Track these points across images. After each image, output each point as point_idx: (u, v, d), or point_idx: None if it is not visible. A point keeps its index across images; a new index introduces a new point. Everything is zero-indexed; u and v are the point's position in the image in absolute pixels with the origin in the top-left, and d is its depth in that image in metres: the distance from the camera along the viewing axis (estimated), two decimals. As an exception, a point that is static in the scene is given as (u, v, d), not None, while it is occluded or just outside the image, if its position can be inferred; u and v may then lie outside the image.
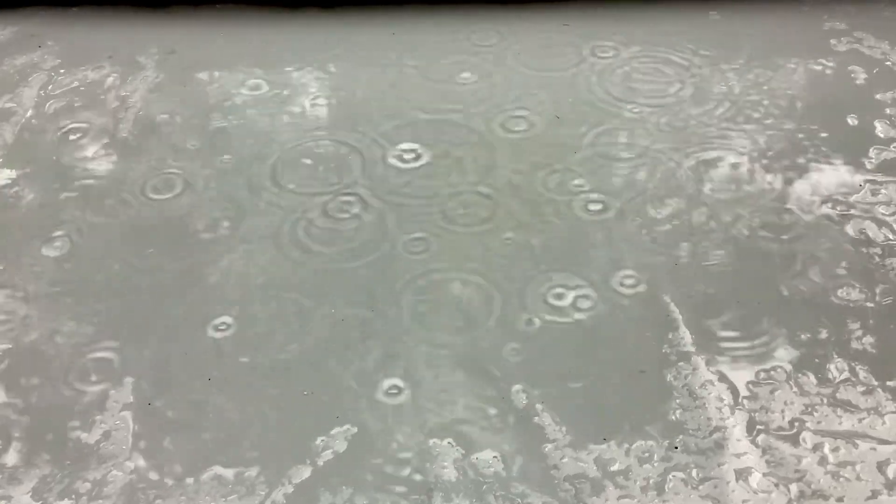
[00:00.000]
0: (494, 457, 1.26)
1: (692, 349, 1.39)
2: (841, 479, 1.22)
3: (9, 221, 1.68)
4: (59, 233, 1.64)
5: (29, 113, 1.94)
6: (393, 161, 1.75)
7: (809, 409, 1.30)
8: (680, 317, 1.43)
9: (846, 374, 1.34)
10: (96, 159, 1.81)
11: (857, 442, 1.26)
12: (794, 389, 1.33)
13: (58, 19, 2.22)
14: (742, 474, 1.22)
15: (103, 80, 2.02)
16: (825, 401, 1.31)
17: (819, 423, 1.28)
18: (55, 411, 1.35)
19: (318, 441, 1.29)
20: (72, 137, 1.87)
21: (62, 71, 2.05)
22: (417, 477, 1.24)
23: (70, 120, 1.92)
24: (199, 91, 1.97)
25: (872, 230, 1.57)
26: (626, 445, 1.27)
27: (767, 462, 1.24)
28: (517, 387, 1.35)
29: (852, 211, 1.60)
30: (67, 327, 1.47)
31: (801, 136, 1.77)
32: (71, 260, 1.59)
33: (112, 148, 1.83)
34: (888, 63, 1.94)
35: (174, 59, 2.08)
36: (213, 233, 1.62)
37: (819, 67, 1.95)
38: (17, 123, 1.91)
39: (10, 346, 1.45)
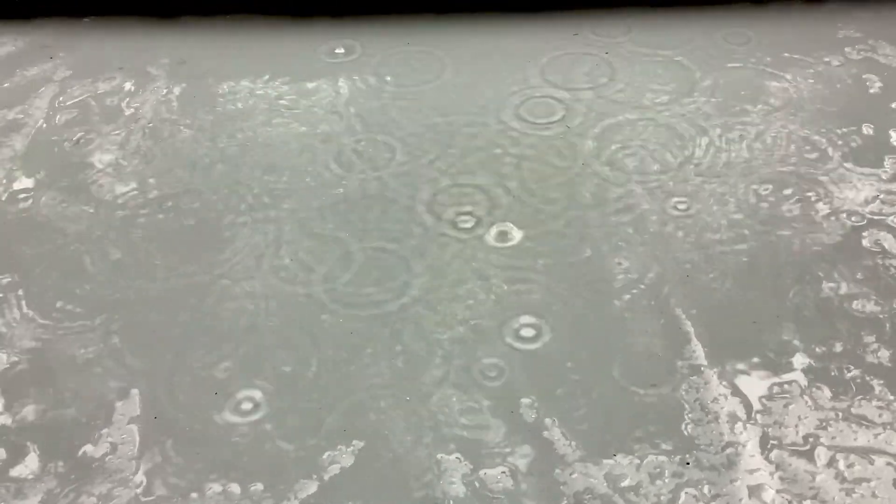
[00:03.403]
0: (503, 472, 1.25)
1: (704, 362, 1.37)
2: (856, 496, 1.19)
3: (19, 231, 1.68)
4: (70, 243, 1.64)
5: (40, 123, 1.95)
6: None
7: (824, 424, 1.28)
8: (692, 329, 1.42)
9: (861, 388, 1.32)
10: (107, 170, 1.81)
11: (873, 458, 1.24)
12: (809, 404, 1.30)
13: (70, 31, 2.23)
14: (755, 491, 1.20)
15: (114, 91, 2.03)
16: (840, 415, 1.29)
17: (834, 438, 1.26)
18: (62, 424, 1.34)
19: (325, 455, 1.27)
20: (83, 148, 1.87)
21: (73, 82, 2.06)
22: (426, 492, 1.22)
23: (81, 130, 1.92)
24: (209, 101, 1.97)
25: (888, 241, 1.54)
26: (636, 461, 1.25)
27: (781, 478, 1.22)
28: (526, 401, 1.33)
29: (867, 222, 1.58)
30: (75, 339, 1.47)
31: (815, 145, 1.75)
32: (79, 271, 1.59)
33: (123, 158, 1.83)
34: (904, 71, 1.92)
35: (185, 69, 2.08)
36: (220, 250, 1.62)
37: (833, 75, 1.92)
38: (29, 134, 1.92)
39: (17, 359, 1.44)
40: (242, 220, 1.66)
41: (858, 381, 1.33)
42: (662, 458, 1.25)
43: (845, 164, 1.70)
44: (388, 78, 2.00)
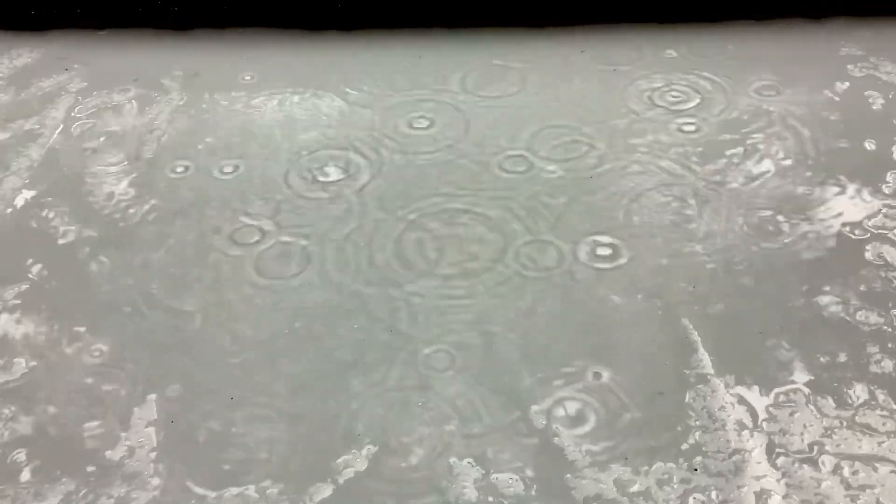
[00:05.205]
0: (514, 477, 1.27)
1: (711, 371, 1.39)
2: (860, 503, 1.22)
3: (34, 239, 1.71)
4: (84, 252, 1.67)
5: (55, 134, 1.98)
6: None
7: (829, 433, 1.30)
8: (699, 339, 1.44)
9: (865, 398, 1.34)
10: (121, 180, 1.84)
11: (877, 465, 1.26)
12: (814, 412, 1.33)
13: (85, 42, 2.27)
14: (762, 497, 1.23)
15: (129, 103, 2.06)
16: (844, 424, 1.31)
17: (839, 446, 1.29)
18: (80, 429, 1.37)
19: (340, 459, 1.30)
20: (97, 159, 1.90)
21: (89, 93, 2.09)
22: (438, 496, 1.25)
23: (95, 142, 1.95)
24: (222, 112, 2.00)
25: (891, 254, 1.57)
26: (645, 467, 1.27)
27: (787, 485, 1.24)
28: (536, 407, 1.35)
29: (870, 235, 1.61)
30: (91, 345, 1.49)
31: (818, 160, 1.78)
32: (93, 279, 1.62)
33: (136, 169, 1.86)
34: (905, 88, 1.96)
35: (198, 81, 2.11)
36: (234, 257, 1.64)
37: (835, 92, 1.96)
38: (44, 145, 1.95)
39: (36, 364, 1.47)
40: (254, 230, 1.69)
41: (862, 390, 1.36)
42: (671, 464, 1.27)
43: (848, 179, 1.73)
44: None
